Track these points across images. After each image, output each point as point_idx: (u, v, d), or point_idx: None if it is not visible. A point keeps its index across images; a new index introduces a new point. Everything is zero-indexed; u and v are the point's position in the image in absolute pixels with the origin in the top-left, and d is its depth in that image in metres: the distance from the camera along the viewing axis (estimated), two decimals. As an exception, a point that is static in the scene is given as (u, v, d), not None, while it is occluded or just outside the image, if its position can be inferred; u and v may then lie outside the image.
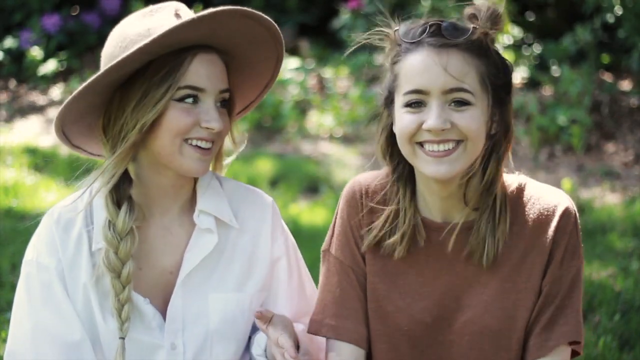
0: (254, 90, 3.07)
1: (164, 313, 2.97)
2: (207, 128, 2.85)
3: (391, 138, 2.86)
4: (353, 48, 2.93)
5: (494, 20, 2.78)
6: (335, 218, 2.97)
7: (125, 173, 2.93)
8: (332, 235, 2.96)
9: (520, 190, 2.87)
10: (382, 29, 2.84)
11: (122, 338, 2.88)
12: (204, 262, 2.97)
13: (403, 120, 2.77)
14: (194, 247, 2.97)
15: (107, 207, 2.89)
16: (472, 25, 2.76)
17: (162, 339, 2.95)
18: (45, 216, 2.99)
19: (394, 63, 2.81)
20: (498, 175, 2.83)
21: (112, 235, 2.87)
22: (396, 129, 2.81)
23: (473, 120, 2.74)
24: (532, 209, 2.85)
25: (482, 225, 2.81)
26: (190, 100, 2.85)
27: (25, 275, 2.97)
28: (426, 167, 2.76)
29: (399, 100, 2.78)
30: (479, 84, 2.75)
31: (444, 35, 2.75)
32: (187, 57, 2.84)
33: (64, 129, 2.94)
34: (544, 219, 2.83)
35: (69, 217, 2.95)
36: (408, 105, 2.76)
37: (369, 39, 2.87)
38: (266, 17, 2.90)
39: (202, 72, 2.85)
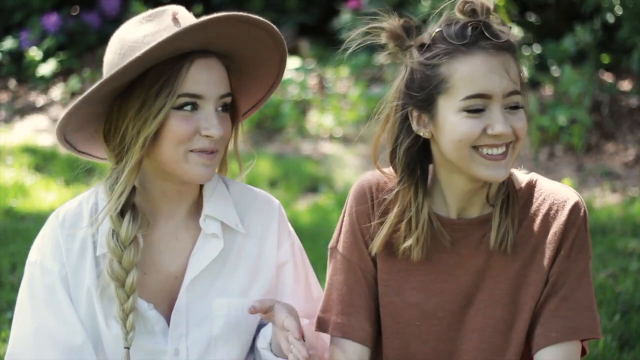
0: (259, 91, 3.05)
1: (168, 318, 2.96)
2: (207, 136, 2.83)
3: (415, 140, 2.83)
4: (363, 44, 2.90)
5: (489, 14, 2.77)
6: (343, 215, 2.95)
7: None
8: (339, 233, 2.94)
9: (532, 186, 2.89)
10: (412, 24, 2.83)
11: (127, 348, 2.87)
12: (209, 267, 2.95)
13: (464, 125, 2.73)
14: (199, 252, 2.95)
15: (110, 217, 2.88)
16: (506, 26, 2.77)
17: (165, 344, 2.95)
18: (51, 217, 2.98)
19: (438, 65, 2.75)
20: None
21: (115, 244, 2.86)
22: (452, 134, 2.74)
23: (524, 122, 2.79)
24: (543, 204, 2.86)
25: (499, 217, 2.82)
26: (189, 107, 2.83)
27: (28, 277, 2.96)
28: (483, 170, 2.75)
29: (454, 104, 2.73)
30: (521, 84, 2.79)
31: (489, 37, 2.73)
32: (184, 64, 2.81)
33: (66, 138, 2.94)
34: (554, 214, 2.85)
35: (74, 220, 2.94)
36: (468, 110, 2.73)
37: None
38: (263, 19, 2.87)
39: (200, 78, 2.83)
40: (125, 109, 2.84)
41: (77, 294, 2.92)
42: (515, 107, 2.77)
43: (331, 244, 2.96)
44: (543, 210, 2.85)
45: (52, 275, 2.92)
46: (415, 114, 2.80)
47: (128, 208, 2.88)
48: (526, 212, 2.86)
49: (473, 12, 2.75)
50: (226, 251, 2.98)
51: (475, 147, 2.75)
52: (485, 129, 2.73)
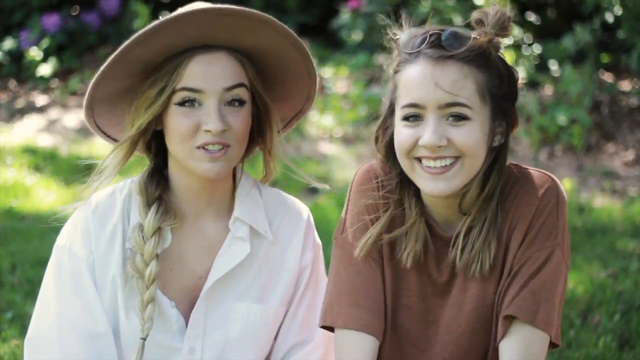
0: (300, 82, 2.99)
1: (187, 316, 2.96)
2: (207, 131, 2.82)
3: (393, 147, 2.81)
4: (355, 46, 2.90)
5: (502, 25, 2.70)
6: (348, 204, 2.90)
7: (156, 175, 2.95)
8: (344, 222, 2.89)
9: (507, 178, 2.81)
10: (390, 33, 2.79)
11: (143, 339, 2.88)
12: (233, 271, 2.95)
13: (400, 134, 2.73)
14: (225, 254, 2.96)
15: (139, 210, 2.91)
16: (472, 35, 2.69)
17: (181, 342, 2.95)
18: (83, 204, 2.99)
19: (395, 72, 2.76)
20: (498, 185, 2.78)
21: (139, 235, 2.89)
22: (395, 143, 2.76)
23: (471, 136, 2.68)
24: (517, 196, 2.79)
25: (476, 238, 2.77)
26: (188, 103, 2.83)
27: (56, 261, 2.97)
28: (423, 183, 2.73)
29: (398, 112, 2.74)
30: (478, 96, 2.69)
31: (443, 46, 2.69)
32: (182, 60, 2.82)
33: (109, 134, 3.00)
34: (527, 202, 2.77)
35: (106, 209, 2.96)
36: (405, 118, 2.71)
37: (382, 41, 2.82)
38: (238, 7, 2.81)
39: (198, 73, 2.82)
40: (135, 101, 2.89)
41: (103, 282, 2.93)
42: (459, 119, 2.68)
43: (336, 233, 2.90)
44: (517, 202, 2.78)
45: (79, 262, 2.93)
46: (389, 122, 2.80)
47: (154, 200, 2.91)
48: (501, 206, 2.79)
49: (479, 22, 2.72)
50: (252, 256, 2.97)
51: (418, 159, 2.71)
52: (419, 139, 2.69)
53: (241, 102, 2.87)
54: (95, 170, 2.92)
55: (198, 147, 2.84)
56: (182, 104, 2.84)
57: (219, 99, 2.84)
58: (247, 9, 2.83)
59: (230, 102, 2.85)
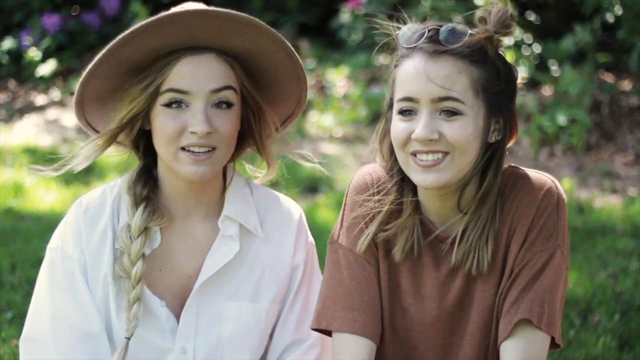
0: (291, 83, 2.98)
1: (178, 316, 2.96)
2: (193, 132, 2.81)
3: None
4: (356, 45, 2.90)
5: (504, 23, 2.72)
6: (344, 208, 2.92)
7: (145, 175, 2.95)
8: (340, 227, 2.91)
9: (506, 179, 2.82)
10: (390, 29, 2.80)
11: (128, 338, 2.88)
12: (223, 269, 2.95)
13: (395, 128, 2.75)
14: (215, 252, 2.95)
15: (127, 209, 2.92)
16: (470, 31, 2.71)
17: (173, 343, 2.95)
18: (74, 205, 3.00)
19: (395, 67, 2.79)
20: (495, 183, 2.79)
21: (126, 235, 2.89)
22: (391, 136, 2.78)
23: (462, 131, 2.69)
24: (517, 197, 2.80)
25: (472, 233, 2.77)
26: (175, 105, 2.83)
27: (49, 262, 2.97)
28: (415, 175, 2.74)
29: (395, 106, 2.76)
30: (472, 92, 2.70)
31: (439, 41, 2.71)
32: (170, 60, 2.82)
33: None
34: (526, 203, 2.78)
35: (97, 209, 2.96)
36: (400, 112, 2.74)
37: (386, 37, 2.83)
38: (225, 10, 2.81)
39: (185, 74, 2.81)
40: (122, 99, 2.89)
41: (95, 281, 2.94)
42: (451, 114, 2.70)
43: (332, 238, 2.91)
44: (517, 204, 2.79)
45: (72, 262, 2.94)
46: (389, 116, 2.81)
47: (142, 200, 2.91)
48: (501, 207, 2.80)
49: (482, 20, 2.73)
50: (243, 254, 2.97)
51: (413, 154, 2.73)
52: (412, 133, 2.71)
53: (229, 105, 2.86)
54: (70, 154, 2.94)
55: (182, 149, 2.83)
56: (168, 105, 2.83)
57: (206, 100, 2.83)
58: (234, 11, 2.82)
59: (218, 104, 2.85)
